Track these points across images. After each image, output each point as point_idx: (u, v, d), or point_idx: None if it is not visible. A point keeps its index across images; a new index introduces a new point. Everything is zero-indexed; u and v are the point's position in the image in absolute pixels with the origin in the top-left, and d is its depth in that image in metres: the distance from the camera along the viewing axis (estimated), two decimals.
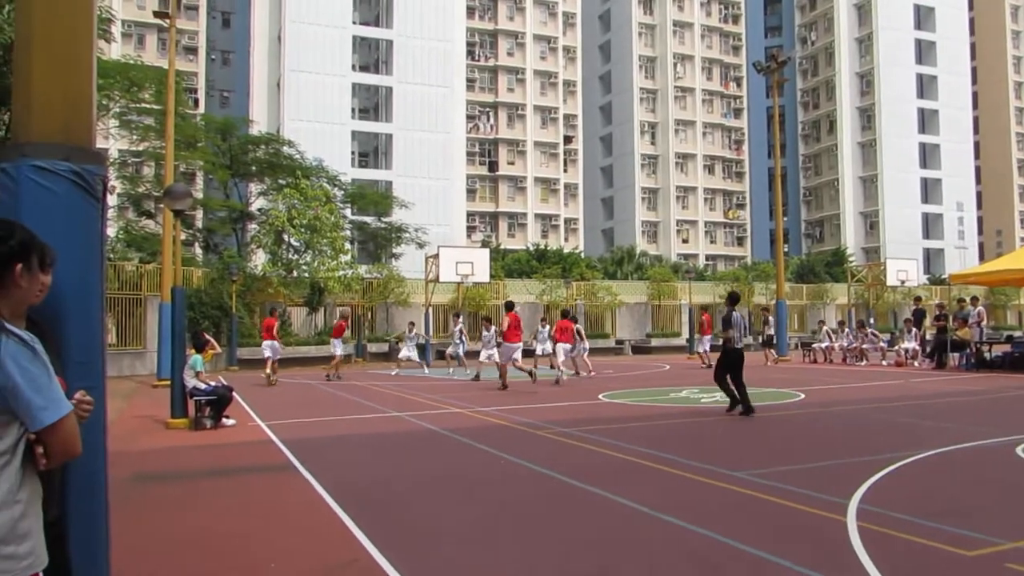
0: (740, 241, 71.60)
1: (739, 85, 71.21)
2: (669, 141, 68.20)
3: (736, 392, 11.09)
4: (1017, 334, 30.84)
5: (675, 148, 68.35)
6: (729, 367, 11.20)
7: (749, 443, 8.78)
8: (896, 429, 9.59)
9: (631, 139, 68.67)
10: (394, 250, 40.51)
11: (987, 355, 20.33)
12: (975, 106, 75.73)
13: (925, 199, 68.20)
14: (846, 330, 26.74)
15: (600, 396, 14.42)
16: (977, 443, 8.36)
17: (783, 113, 69.04)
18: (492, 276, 31.56)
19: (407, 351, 22.01)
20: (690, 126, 68.68)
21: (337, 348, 21.12)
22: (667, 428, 10.03)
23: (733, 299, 11.76)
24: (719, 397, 13.27)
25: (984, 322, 21.21)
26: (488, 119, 60.95)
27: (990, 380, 16.71)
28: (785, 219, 68.89)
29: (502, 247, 53.27)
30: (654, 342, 35.58)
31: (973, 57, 75.94)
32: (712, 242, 69.79)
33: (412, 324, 23.09)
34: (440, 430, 10.08)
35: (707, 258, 68.32)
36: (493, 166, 61.11)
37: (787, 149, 71.33)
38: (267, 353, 19.45)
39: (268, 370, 18.91)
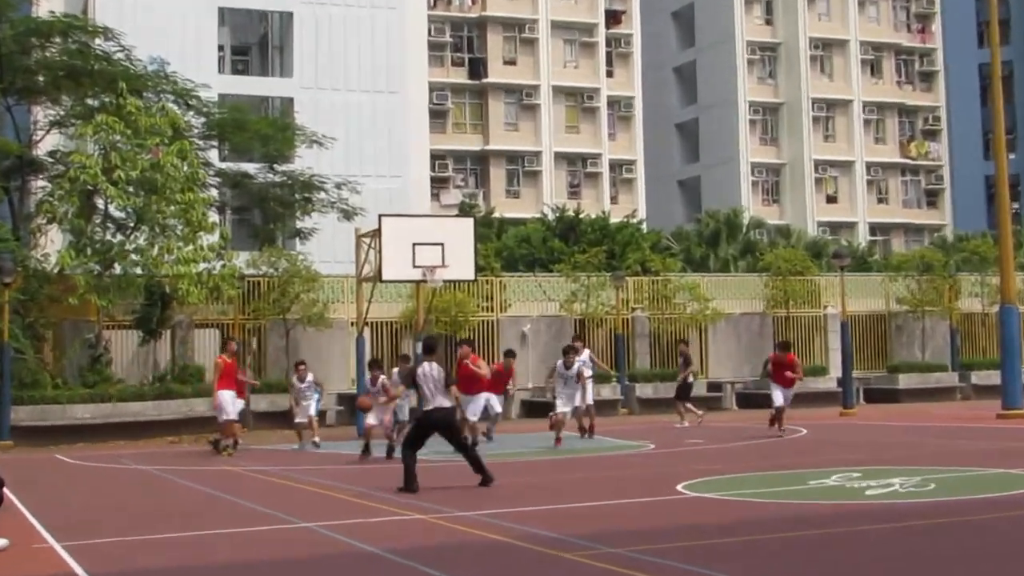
0: (932, 197, 72.81)
1: None
2: (800, 17, 68.78)
3: None
4: None
5: (810, 30, 69.13)
6: None
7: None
8: None
9: (729, 15, 69.09)
10: (300, 224, 40.60)
11: None
12: None
13: None
14: None
15: (679, 487, 14.69)
16: None
17: None
18: (480, 269, 31.48)
19: (307, 410, 23.08)
20: None
21: (228, 407, 21.68)
22: (819, 549, 10.01)
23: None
24: (898, 486, 13.69)
25: None
26: None
27: None
28: (1013, 156, 67.56)
29: (497, 214, 53.34)
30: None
31: None
32: (882, 200, 70.94)
33: (302, 365, 23.87)
34: (395, 558, 9.96)
35: (874, 229, 69.54)
36: (478, 69, 61.30)
37: (1013, 30, 71.92)
38: (230, 413, 20.53)
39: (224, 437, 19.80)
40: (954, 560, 9.30)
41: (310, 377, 23.57)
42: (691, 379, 28.58)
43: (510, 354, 25.02)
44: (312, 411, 23.27)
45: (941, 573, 8.94)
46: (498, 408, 23.23)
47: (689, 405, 27.58)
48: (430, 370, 14.90)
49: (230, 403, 21.82)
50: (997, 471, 15.46)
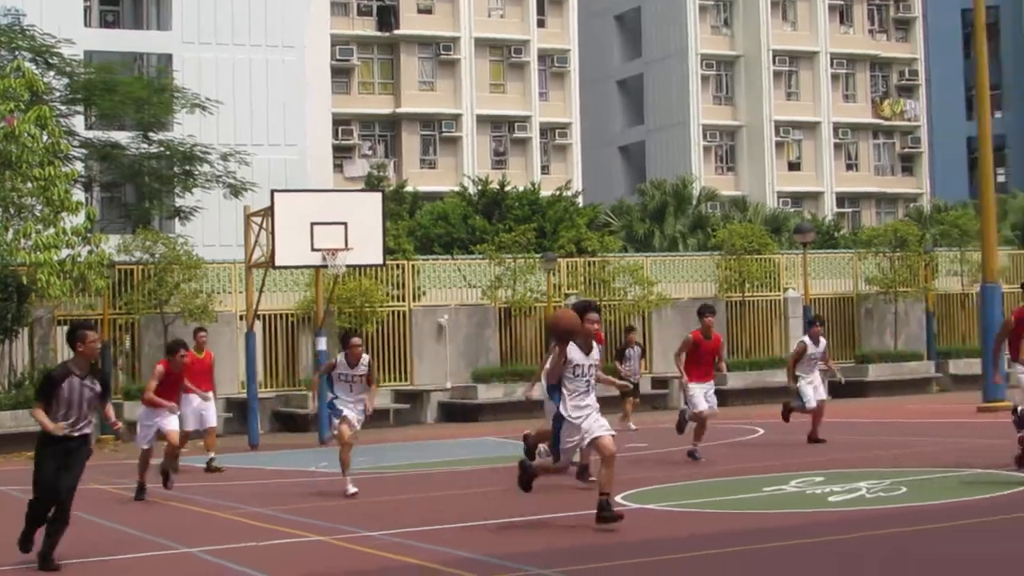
0: (908, 163, 74.28)
1: None
2: None
3: None
4: None
5: None
6: None
7: None
8: None
9: None
10: (180, 203, 40.48)
11: None
12: None
13: None
14: None
15: (619, 497, 14.54)
16: None
17: None
18: (390, 252, 31.73)
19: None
20: None
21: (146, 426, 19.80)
22: (779, 564, 10.33)
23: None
24: (865, 491, 14.05)
25: None
26: None
27: None
28: (999, 115, 70.85)
29: (409, 188, 53.53)
30: (731, 379, 36.06)
31: None
32: (851, 167, 72.33)
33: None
34: None
35: (841, 199, 70.79)
36: (388, 19, 61.37)
37: None
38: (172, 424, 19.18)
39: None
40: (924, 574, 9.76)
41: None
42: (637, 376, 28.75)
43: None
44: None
45: None
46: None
47: (630, 406, 27.75)
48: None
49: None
50: (975, 471, 15.87)
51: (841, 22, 72.16)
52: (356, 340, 17.15)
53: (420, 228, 44.44)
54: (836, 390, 36.63)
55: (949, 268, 40.97)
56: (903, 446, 19.85)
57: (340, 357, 17.06)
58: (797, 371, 21.01)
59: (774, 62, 69.45)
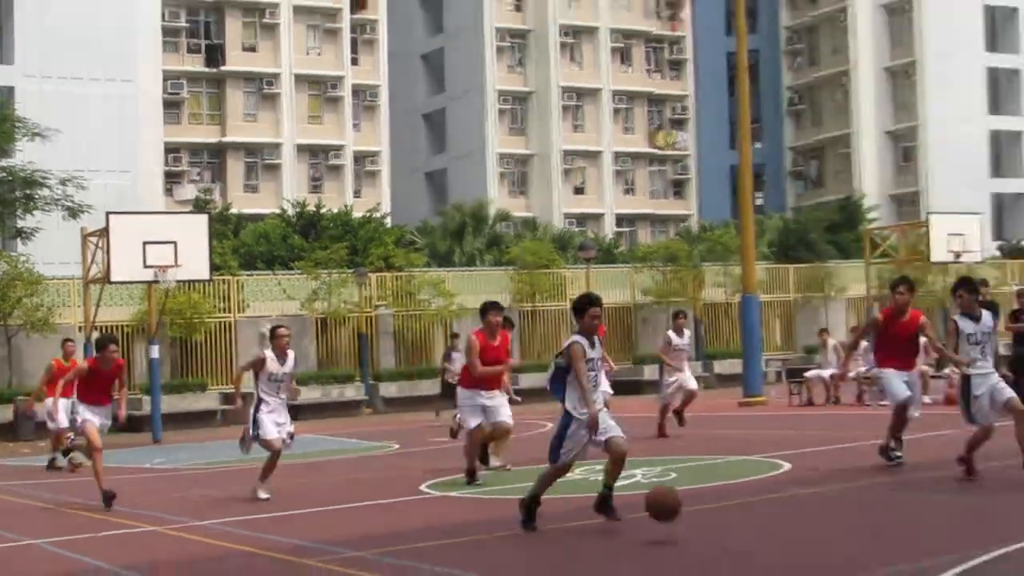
0: (679, 188, 76.02)
1: None
2: (550, 4, 70.65)
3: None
4: None
5: (559, 17, 71.09)
6: None
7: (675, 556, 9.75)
8: (950, 514, 11.15)
9: (478, 1, 70.52)
10: (21, 224, 39.99)
11: None
12: None
13: (995, 107, 75.03)
14: (863, 345, 28.84)
15: (422, 487, 15.20)
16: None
17: None
18: (216, 268, 31.87)
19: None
20: None
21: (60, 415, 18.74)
22: (556, 544, 10.84)
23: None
24: (640, 476, 14.46)
25: None
26: None
27: None
28: (758, 146, 72.26)
29: (234, 210, 53.67)
30: (523, 379, 36.70)
31: None
32: (629, 191, 73.67)
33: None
34: (129, 573, 10.20)
35: (620, 220, 72.16)
36: (216, 56, 61.22)
37: (759, 19, 76.14)
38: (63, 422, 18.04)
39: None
40: (688, 546, 10.22)
41: None
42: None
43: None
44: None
45: (663, 562, 9.72)
46: None
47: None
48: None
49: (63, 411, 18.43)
50: (739, 458, 16.59)
51: (622, 62, 73.70)
52: (283, 330, 14.74)
53: (244, 246, 44.35)
54: (615, 387, 37.55)
55: (714, 281, 41.86)
56: (674, 437, 19.88)
57: (268, 353, 14.47)
58: (670, 363, 20.64)
59: (562, 98, 70.68)
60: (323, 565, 9.82)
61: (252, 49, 61.95)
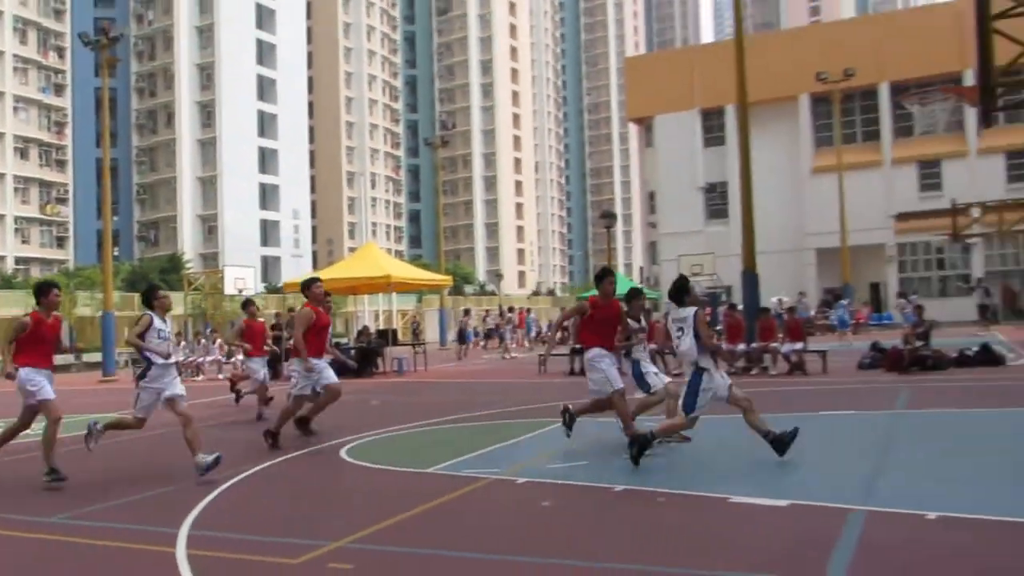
0: (61, 242, 79.17)
1: (61, 56, 78.19)
2: None
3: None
4: (343, 341, 36.84)
5: None
6: None
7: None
8: (222, 445, 11.17)
9: None
10: None
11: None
12: (311, 115, 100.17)
13: (264, 205, 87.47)
14: (183, 344, 29.21)
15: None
16: (307, 451, 11.10)
17: (114, 97, 74.88)
18: None
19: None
20: None
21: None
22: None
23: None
24: None
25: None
26: None
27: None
28: (116, 219, 78.64)
29: None
30: None
31: (310, 66, 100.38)
32: (25, 242, 75.86)
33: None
34: None
35: (18, 261, 73.96)
36: None
37: (119, 139, 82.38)
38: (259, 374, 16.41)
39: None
40: None
41: None
42: None
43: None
44: None
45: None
46: None
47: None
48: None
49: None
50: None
51: (22, 158, 73.87)
52: (164, 291, 10.31)
53: None
54: None
55: (84, 301, 42.71)
56: None
57: (153, 316, 9.91)
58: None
59: None
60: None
61: None
